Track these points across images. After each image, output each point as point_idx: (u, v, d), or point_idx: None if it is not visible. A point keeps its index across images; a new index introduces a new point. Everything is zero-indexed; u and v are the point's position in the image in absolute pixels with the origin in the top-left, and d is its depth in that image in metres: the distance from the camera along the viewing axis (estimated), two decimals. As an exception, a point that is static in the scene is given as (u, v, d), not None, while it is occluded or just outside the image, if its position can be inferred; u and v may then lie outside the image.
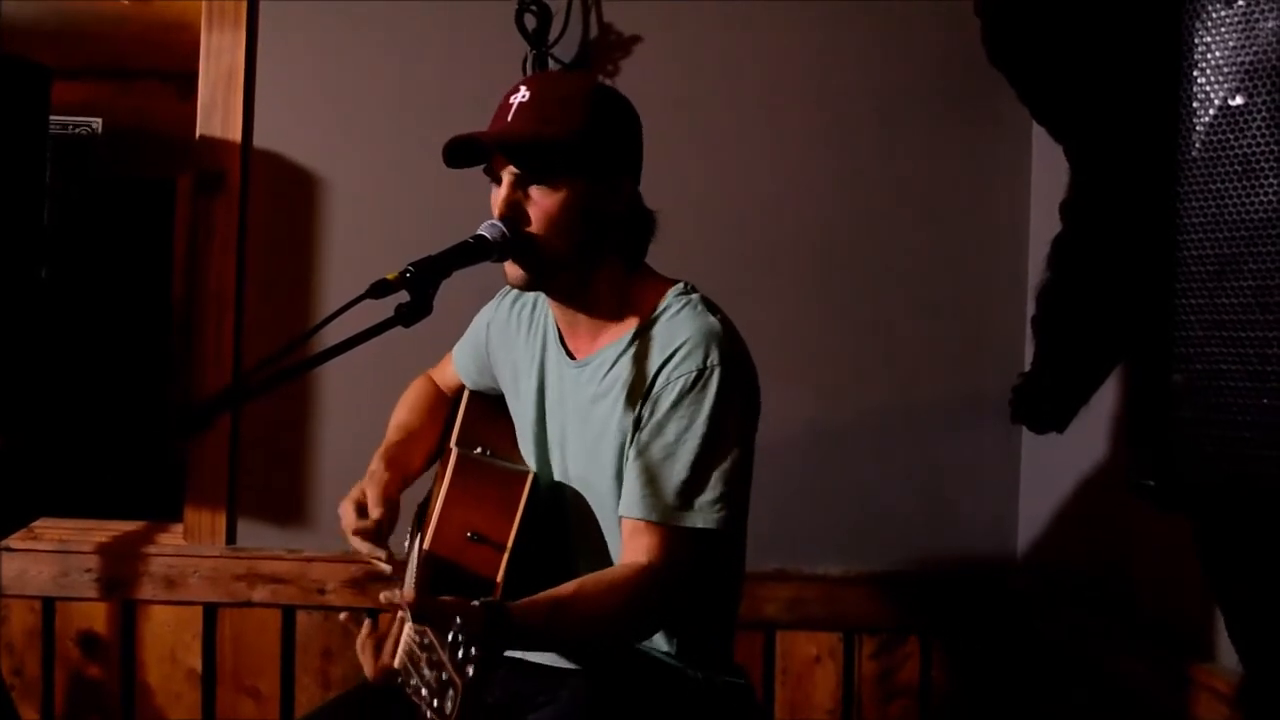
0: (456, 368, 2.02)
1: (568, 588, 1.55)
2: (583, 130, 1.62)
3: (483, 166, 1.66)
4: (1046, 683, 2.51)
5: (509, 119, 1.62)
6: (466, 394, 2.00)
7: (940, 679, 2.67)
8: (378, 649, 1.65)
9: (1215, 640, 1.96)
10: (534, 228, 1.62)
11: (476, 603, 1.41)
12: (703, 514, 1.60)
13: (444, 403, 2.05)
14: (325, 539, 2.60)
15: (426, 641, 1.30)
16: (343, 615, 2.48)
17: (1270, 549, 1.55)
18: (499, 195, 1.63)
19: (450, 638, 1.26)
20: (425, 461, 1.97)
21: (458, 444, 1.81)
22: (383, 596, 1.46)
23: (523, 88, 1.64)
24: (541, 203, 1.61)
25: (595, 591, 1.56)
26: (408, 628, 1.37)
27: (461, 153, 1.64)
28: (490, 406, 1.96)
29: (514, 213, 1.62)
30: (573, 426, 1.75)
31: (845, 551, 2.65)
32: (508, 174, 1.62)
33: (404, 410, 2.02)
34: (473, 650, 1.24)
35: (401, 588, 1.70)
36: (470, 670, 1.24)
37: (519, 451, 1.86)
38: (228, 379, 2.60)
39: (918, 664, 2.66)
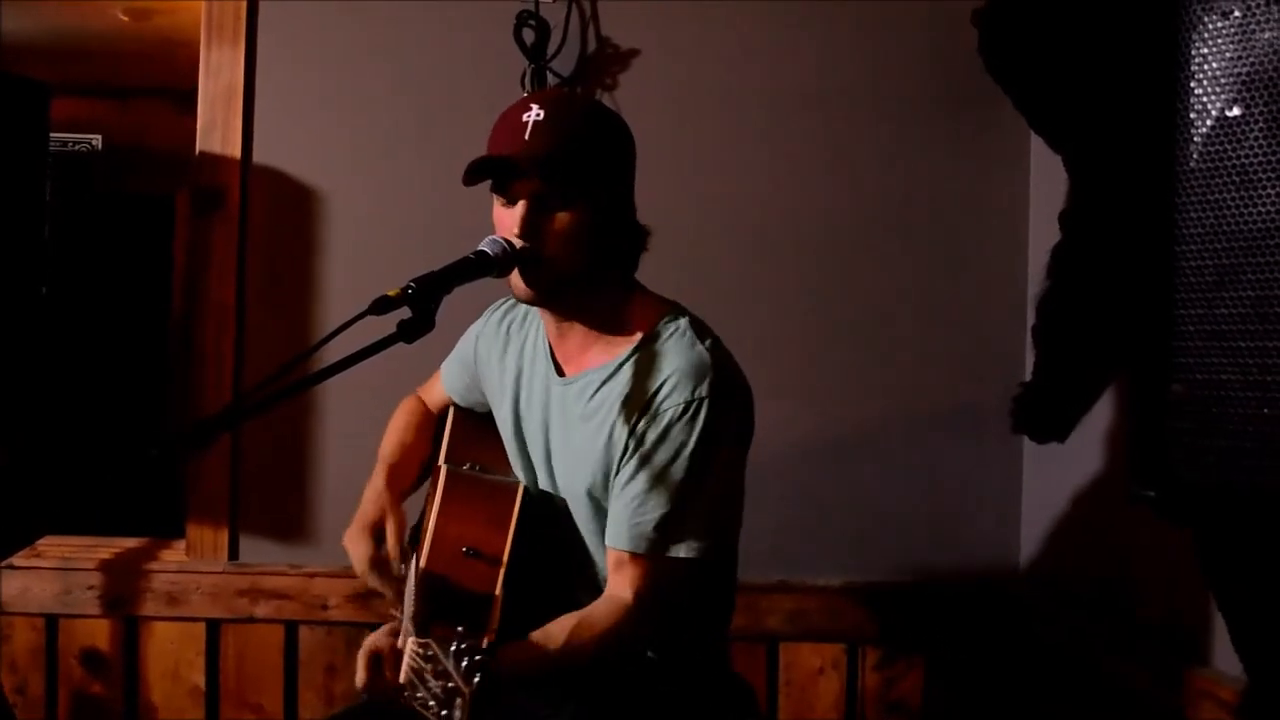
0: (445, 385, 2.02)
1: (556, 628, 1.60)
2: (599, 148, 1.64)
3: (490, 183, 1.64)
4: (1050, 692, 2.50)
5: (526, 137, 1.59)
6: (451, 412, 1.99)
7: (943, 689, 2.66)
8: (375, 663, 1.65)
9: (1218, 648, 1.96)
10: (551, 246, 1.61)
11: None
12: (686, 545, 1.61)
13: (433, 422, 2.05)
14: (328, 554, 2.59)
15: (430, 654, 1.31)
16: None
17: (1271, 558, 1.55)
18: (514, 214, 1.61)
19: (453, 647, 1.26)
20: (417, 478, 1.97)
21: (446, 461, 1.80)
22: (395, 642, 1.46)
23: (534, 106, 1.61)
24: (560, 222, 1.60)
25: (583, 629, 1.60)
26: (410, 642, 1.37)
27: (481, 168, 1.62)
28: (477, 423, 1.95)
29: (534, 232, 1.60)
30: (557, 440, 1.76)
31: (848, 563, 2.65)
32: (526, 193, 1.60)
33: (399, 427, 2.01)
34: (477, 657, 1.25)
35: (401, 610, 1.70)
36: (476, 678, 1.25)
37: (509, 466, 1.86)
38: (228, 395, 2.60)
39: (921, 674, 2.66)
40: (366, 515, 1.79)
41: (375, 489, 1.84)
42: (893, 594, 2.64)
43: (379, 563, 1.73)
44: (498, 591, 1.59)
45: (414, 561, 1.67)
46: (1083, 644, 2.39)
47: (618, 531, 1.63)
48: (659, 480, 1.61)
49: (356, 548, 1.75)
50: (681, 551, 1.61)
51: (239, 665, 2.64)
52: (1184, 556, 1.86)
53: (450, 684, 1.27)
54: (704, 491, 1.62)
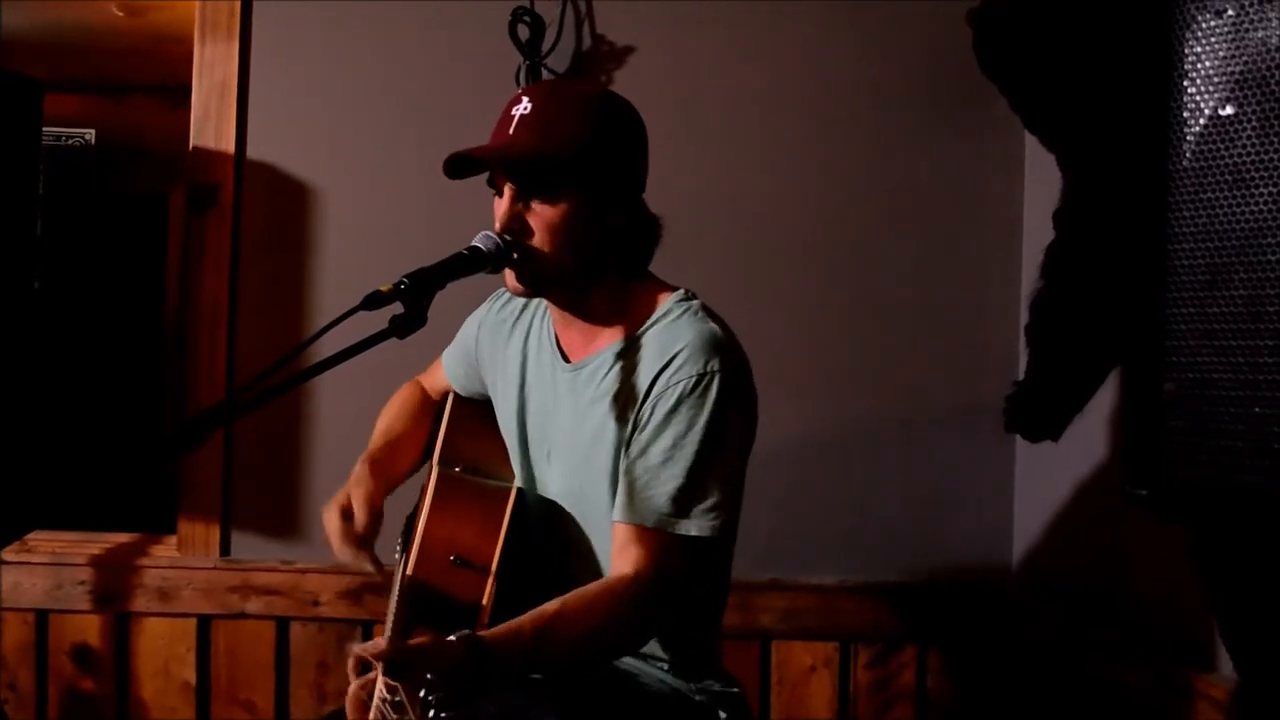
0: (446, 372, 2.01)
1: (550, 608, 1.52)
2: (585, 142, 1.61)
3: (486, 177, 1.65)
4: (1042, 691, 2.51)
5: (510, 132, 1.60)
6: (450, 406, 1.96)
7: (936, 688, 2.66)
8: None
9: (1212, 648, 1.96)
10: (536, 240, 1.61)
11: (453, 638, 1.39)
12: (697, 521, 1.59)
13: (431, 407, 2.02)
14: (319, 551, 2.57)
15: (398, 700, 1.28)
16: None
17: (1263, 557, 1.56)
18: (500, 207, 1.63)
19: (422, 696, 1.24)
20: (411, 467, 1.94)
21: (440, 461, 1.78)
22: (356, 649, 1.43)
23: (525, 99, 1.62)
24: (543, 215, 1.61)
25: (579, 610, 1.54)
26: (380, 682, 1.35)
27: (464, 165, 1.63)
28: (476, 416, 1.92)
29: (516, 225, 1.61)
30: (564, 431, 1.74)
31: (840, 561, 2.65)
32: (508, 187, 1.62)
33: (389, 415, 1.99)
34: (443, 715, 1.22)
35: (388, 613, 1.69)
36: None
37: (506, 458, 1.84)
38: (221, 392, 2.60)
39: (913, 673, 2.66)
40: (335, 498, 1.75)
41: (354, 475, 1.78)
42: (885, 593, 2.64)
43: (349, 534, 1.67)
44: (485, 601, 1.57)
45: (402, 565, 1.66)
46: (1075, 643, 2.39)
47: (627, 506, 1.60)
48: (672, 453, 1.59)
49: (330, 519, 1.71)
50: (692, 529, 1.59)
51: (230, 661, 2.63)
52: (1179, 557, 1.86)
53: None
54: (716, 467, 1.60)
